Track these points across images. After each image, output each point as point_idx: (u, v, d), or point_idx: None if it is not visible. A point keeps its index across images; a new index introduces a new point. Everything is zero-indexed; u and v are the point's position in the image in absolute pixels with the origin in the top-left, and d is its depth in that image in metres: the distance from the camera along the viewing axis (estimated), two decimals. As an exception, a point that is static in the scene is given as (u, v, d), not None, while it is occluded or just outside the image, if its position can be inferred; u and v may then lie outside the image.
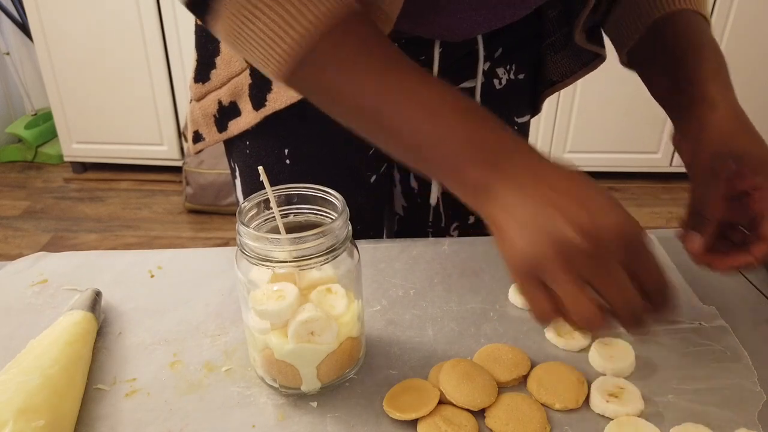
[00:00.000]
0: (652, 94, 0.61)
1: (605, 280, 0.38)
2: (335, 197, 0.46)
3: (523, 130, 0.78)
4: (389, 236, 0.88)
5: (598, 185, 0.40)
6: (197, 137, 0.72)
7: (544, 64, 0.73)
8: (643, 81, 0.62)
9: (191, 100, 0.71)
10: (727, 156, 0.48)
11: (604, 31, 0.66)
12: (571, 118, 2.37)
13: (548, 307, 0.40)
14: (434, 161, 0.43)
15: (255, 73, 0.63)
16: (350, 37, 0.43)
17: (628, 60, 0.64)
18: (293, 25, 0.41)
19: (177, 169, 2.55)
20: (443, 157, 0.42)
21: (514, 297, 0.58)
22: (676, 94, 0.56)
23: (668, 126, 2.39)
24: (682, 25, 0.58)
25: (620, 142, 2.38)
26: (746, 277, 0.62)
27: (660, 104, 0.59)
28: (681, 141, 0.54)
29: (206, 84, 0.68)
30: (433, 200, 0.77)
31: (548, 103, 0.80)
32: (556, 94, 0.75)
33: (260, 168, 0.45)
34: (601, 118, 2.34)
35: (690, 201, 0.50)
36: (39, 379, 0.43)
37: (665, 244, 0.67)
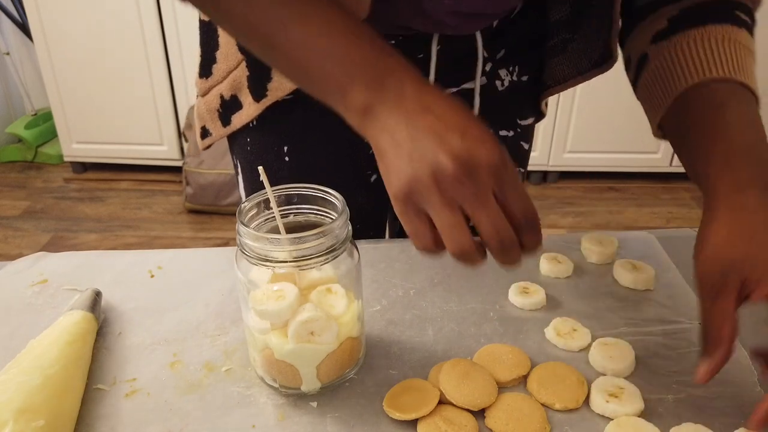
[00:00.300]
0: (686, 168, 0.53)
1: (477, 205, 0.39)
2: (335, 197, 0.46)
3: (527, 133, 0.77)
4: (392, 237, 0.88)
5: (475, 117, 0.41)
6: (204, 132, 0.73)
7: (542, 67, 0.73)
8: (678, 155, 0.55)
9: (197, 95, 0.73)
10: (727, 268, 0.43)
11: (637, 96, 0.61)
12: (571, 118, 2.37)
13: (426, 233, 0.40)
14: (321, 81, 0.43)
15: (252, 65, 0.63)
16: None
17: (662, 133, 0.57)
18: None
19: (177, 169, 2.55)
20: (329, 76, 0.42)
21: (514, 297, 0.58)
22: (713, 178, 0.48)
23: (668, 126, 2.39)
24: (708, 99, 0.51)
25: (620, 142, 2.38)
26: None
27: (695, 181, 0.52)
28: (699, 244, 0.47)
29: (209, 79, 0.69)
30: None
31: (548, 103, 0.80)
32: (557, 94, 0.75)
33: (260, 168, 0.45)
34: (600, 118, 2.34)
35: (701, 327, 0.44)
36: (39, 379, 0.43)
37: (665, 244, 0.67)
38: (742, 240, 0.44)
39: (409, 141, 0.39)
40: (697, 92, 0.52)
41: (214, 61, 0.67)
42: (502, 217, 0.40)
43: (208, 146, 0.73)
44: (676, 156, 2.32)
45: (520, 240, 0.41)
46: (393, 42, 0.63)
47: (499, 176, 0.39)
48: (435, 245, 0.41)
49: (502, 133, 0.74)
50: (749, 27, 0.54)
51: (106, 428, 0.45)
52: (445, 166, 0.38)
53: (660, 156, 2.45)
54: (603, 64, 0.67)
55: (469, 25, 0.62)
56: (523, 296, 0.57)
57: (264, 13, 0.43)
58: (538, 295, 0.58)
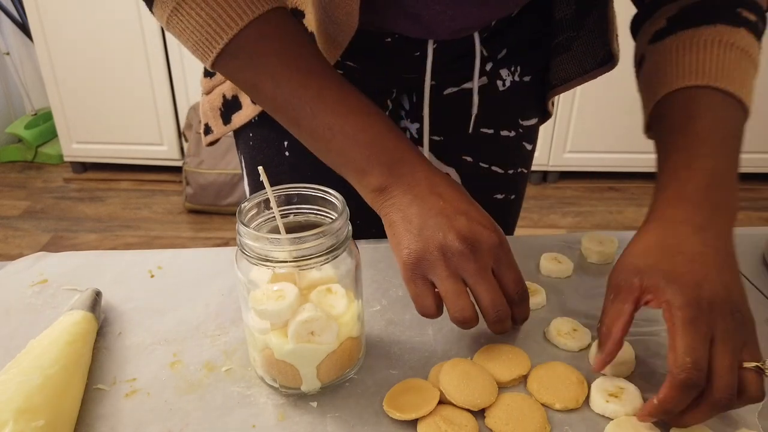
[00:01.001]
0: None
1: (479, 279, 0.45)
2: (335, 197, 0.46)
3: (530, 134, 0.77)
4: None
5: (476, 203, 0.48)
6: (207, 129, 0.74)
7: (547, 66, 0.73)
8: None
9: (202, 93, 0.74)
10: (629, 271, 0.45)
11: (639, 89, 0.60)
12: (571, 118, 2.37)
13: (429, 298, 0.46)
14: (342, 162, 0.50)
15: None
16: (269, 32, 0.48)
17: (652, 134, 0.56)
18: (217, 20, 0.47)
19: (177, 169, 2.55)
20: (350, 159, 0.49)
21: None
22: (655, 193, 0.50)
23: (668, 126, 2.39)
24: (683, 108, 0.50)
25: (620, 142, 2.38)
26: (746, 277, 0.62)
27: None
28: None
29: (213, 78, 0.70)
30: None
31: (554, 103, 0.79)
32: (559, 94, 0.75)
33: (260, 168, 0.45)
34: (601, 118, 2.35)
35: (600, 318, 0.46)
36: (39, 379, 0.43)
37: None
38: (656, 250, 0.45)
39: (419, 218, 0.45)
40: (674, 99, 0.51)
41: None
42: (500, 291, 0.46)
43: (211, 143, 0.75)
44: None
45: (511, 312, 0.47)
46: (389, 40, 0.63)
47: (497, 255, 0.46)
48: (436, 310, 0.46)
49: (504, 133, 0.74)
50: (753, 25, 0.51)
51: (106, 428, 0.45)
52: (453, 242, 0.44)
53: (660, 156, 2.45)
54: (607, 62, 0.67)
55: (463, 32, 0.63)
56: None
57: (291, 94, 0.48)
58: (538, 295, 0.58)
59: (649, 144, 0.55)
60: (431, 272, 0.45)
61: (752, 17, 0.52)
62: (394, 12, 0.58)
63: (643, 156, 2.43)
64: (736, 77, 0.49)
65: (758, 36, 0.52)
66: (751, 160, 2.48)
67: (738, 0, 0.52)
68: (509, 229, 0.83)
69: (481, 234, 0.45)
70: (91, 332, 0.51)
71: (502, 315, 0.46)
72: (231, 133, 0.74)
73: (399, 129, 0.50)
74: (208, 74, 0.71)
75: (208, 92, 0.72)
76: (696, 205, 0.45)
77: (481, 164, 0.75)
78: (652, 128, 0.55)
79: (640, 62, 0.60)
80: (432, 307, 0.46)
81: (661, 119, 0.52)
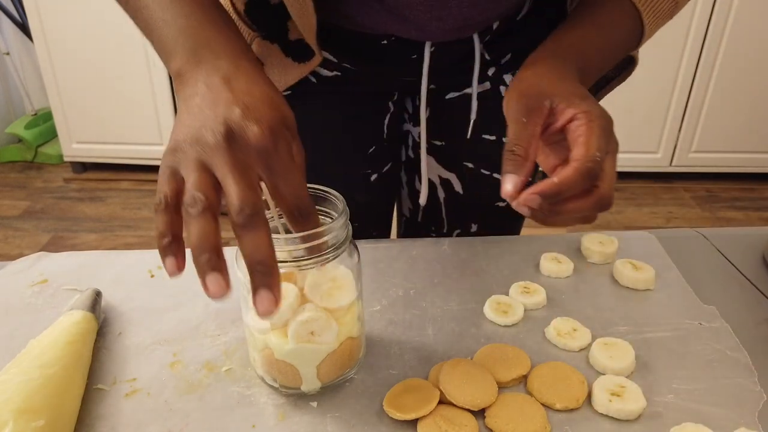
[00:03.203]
0: None
1: (227, 172, 0.37)
2: (335, 197, 0.46)
3: None
4: (399, 236, 0.87)
5: (275, 95, 0.42)
6: None
7: None
8: None
9: None
10: (538, 95, 0.47)
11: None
12: (571, 118, 2.37)
13: (164, 187, 0.38)
14: (157, 44, 0.47)
15: None
16: None
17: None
18: None
19: (177, 169, 2.54)
20: (162, 41, 0.46)
21: (515, 297, 0.58)
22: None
23: (668, 126, 2.39)
24: (602, 6, 0.56)
25: (620, 142, 2.37)
26: (746, 277, 0.62)
27: None
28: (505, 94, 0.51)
29: None
30: (422, 200, 0.76)
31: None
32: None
33: None
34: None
35: (506, 145, 0.47)
36: (39, 379, 0.43)
37: (665, 243, 0.67)
38: (554, 78, 0.49)
39: (198, 109, 0.40)
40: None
41: None
42: (255, 189, 0.37)
43: None
44: (676, 156, 2.32)
45: (291, 224, 0.41)
46: (385, 42, 0.62)
47: (266, 159, 0.38)
48: (166, 198, 0.38)
49: (506, 140, 0.73)
50: None
51: (106, 428, 0.45)
52: (208, 132, 0.38)
53: (660, 156, 2.45)
54: (627, 66, 0.66)
55: (457, 33, 0.61)
56: (523, 296, 0.57)
57: None
58: (538, 295, 0.58)
59: (649, 144, 0.56)
60: (181, 165, 0.38)
61: None
62: (382, 13, 0.58)
63: (643, 156, 2.43)
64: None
65: None
66: (751, 160, 2.48)
67: None
68: (515, 234, 0.81)
69: (247, 129, 0.38)
70: (91, 332, 0.51)
71: (249, 212, 0.36)
72: None
73: (225, 18, 0.47)
74: None
75: None
76: (570, 60, 0.53)
77: (482, 171, 0.74)
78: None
79: None
80: (164, 195, 0.37)
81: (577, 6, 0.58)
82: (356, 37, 0.57)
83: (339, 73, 0.67)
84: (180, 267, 0.37)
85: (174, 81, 0.45)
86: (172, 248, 0.37)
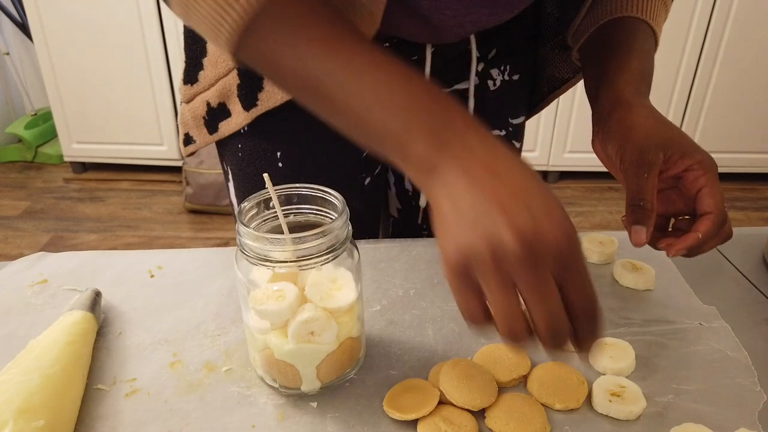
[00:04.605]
0: (586, 93, 0.62)
1: (534, 288, 0.36)
2: (335, 197, 0.46)
3: (518, 132, 0.78)
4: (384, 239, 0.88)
5: (545, 184, 0.38)
6: (188, 140, 0.71)
7: (541, 70, 0.73)
8: (583, 75, 0.65)
9: (181, 102, 0.70)
10: (654, 148, 0.51)
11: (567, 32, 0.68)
12: (571, 118, 2.37)
13: (477, 307, 0.38)
14: (379, 135, 0.41)
15: (243, 73, 0.62)
16: (291, 8, 0.42)
17: (580, 57, 0.66)
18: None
19: (177, 169, 2.55)
20: (388, 131, 0.40)
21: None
22: (598, 98, 0.58)
23: (668, 126, 2.39)
24: (625, 30, 0.61)
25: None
26: (746, 277, 0.62)
27: (590, 105, 0.61)
28: (604, 144, 0.56)
29: (194, 86, 0.67)
30: (422, 202, 0.77)
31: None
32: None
33: (265, 175, 0.45)
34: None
35: (627, 197, 0.51)
36: (39, 379, 0.43)
37: (665, 244, 0.67)
38: (664, 126, 0.53)
39: (472, 209, 0.36)
40: (616, 24, 0.61)
41: (200, 67, 0.65)
42: (560, 306, 0.37)
43: (192, 153, 0.72)
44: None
45: (574, 330, 0.38)
46: (387, 45, 0.62)
47: (564, 261, 0.36)
48: (484, 318, 0.38)
49: (495, 133, 0.74)
50: None
51: (106, 428, 0.45)
52: (508, 244, 0.35)
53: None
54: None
55: (466, 35, 0.63)
56: (523, 296, 0.57)
57: (314, 65, 0.41)
58: (538, 295, 0.57)
59: None
60: (480, 275, 0.37)
61: None
62: (405, 15, 0.57)
63: (643, 156, 2.43)
64: (659, 20, 0.62)
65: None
66: (751, 160, 2.48)
67: None
68: None
69: (545, 234, 0.35)
70: (91, 332, 0.51)
71: (560, 335, 0.37)
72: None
73: (443, 90, 0.42)
74: (188, 81, 0.67)
75: (188, 101, 0.69)
76: (644, 93, 0.57)
77: None
78: (588, 47, 0.64)
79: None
80: (479, 315, 0.38)
81: (601, 39, 0.62)
82: None
83: None
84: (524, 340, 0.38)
85: (419, 173, 0.39)
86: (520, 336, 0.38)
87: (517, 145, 0.78)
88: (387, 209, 0.84)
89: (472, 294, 0.38)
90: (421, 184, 0.40)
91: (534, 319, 0.37)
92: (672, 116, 2.37)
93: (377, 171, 0.76)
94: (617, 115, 0.55)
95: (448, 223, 0.38)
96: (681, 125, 2.40)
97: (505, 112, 0.75)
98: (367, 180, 0.74)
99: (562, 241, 0.36)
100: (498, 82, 0.71)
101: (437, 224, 0.39)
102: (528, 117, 0.79)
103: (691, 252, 0.51)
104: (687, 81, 2.31)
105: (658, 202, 0.52)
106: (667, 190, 0.54)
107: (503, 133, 0.75)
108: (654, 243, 0.53)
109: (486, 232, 0.36)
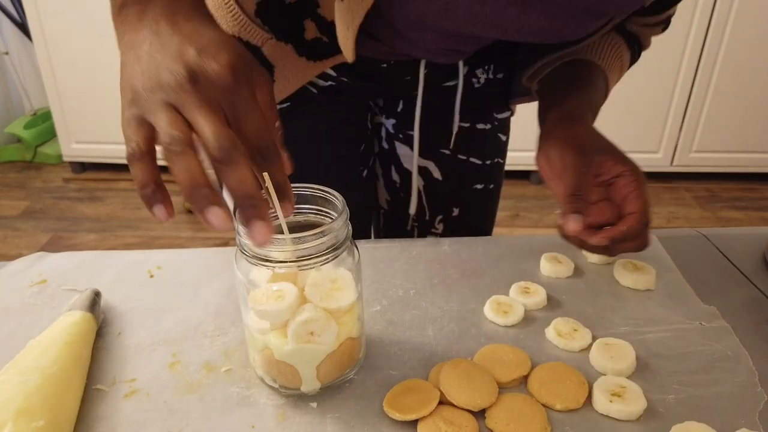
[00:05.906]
0: (538, 115, 0.68)
1: (196, 110, 0.36)
2: (335, 197, 0.46)
3: (504, 126, 0.81)
4: (376, 231, 0.89)
5: (223, 33, 0.41)
6: None
7: (515, 76, 0.76)
8: (538, 101, 0.71)
9: None
10: (593, 152, 0.57)
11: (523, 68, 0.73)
12: (571, 118, 2.37)
13: (133, 139, 0.38)
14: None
15: None
16: None
17: (539, 87, 0.71)
18: None
19: (177, 169, 2.54)
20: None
21: (515, 297, 0.58)
22: (546, 119, 0.64)
23: (669, 126, 2.39)
24: (583, 69, 0.67)
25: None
26: (747, 277, 0.62)
27: (539, 125, 0.66)
28: (547, 151, 0.59)
29: None
30: (413, 204, 0.79)
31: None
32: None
33: (265, 175, 0.45)
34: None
35: (567, 191, 0.55)
36: (38, 380, 0.43)
37: (665, 243, 0.67)
38: (604, 140, 0.60)
39: (149, 55, 0.39)
40: (578, 63, 0.68)
41: None
42: (226, 126, 0.37)
43: None
44: (676, 156, 2.32)
45: (259, 168, 0.40)
46: (384, 65, 0.67)
47: (229, 96, 0.38)
48: (139, 149, 0.38)
49: (480, 126, 0.78)
50: (634, 52, 0.71)
51: (105, 428, 0.45)
52: (172, 72, 0.37)
53: (660, 156, 2.45)
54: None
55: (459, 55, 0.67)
56: (523, 296, 0.57)
57: None
58: (538, 295, 0.57)
59: (649, 144, 0.60)
60: (147, 111, 0.37)
61: (636, 48, 0.71)
62: (401, 40, 0.61)
63: (643, 156, 2.43)
64: (614, 72, 0.70)
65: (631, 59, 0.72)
66: (751, 160, 2.48)
67: (634, 35, 0.69)
68: (491, 217, 0.86)
69: (208, 68, 0.37)
70: (90, 332, 0.51)
71: (228, 148, 0.36)
72: None
73: None
74: None
75: None
76: (589, 117, 0.65)
77: (459, 156, 0.78)
78: (549, 78, 0.69)
79: None
80: (136, 144, 0.38)
81: (563, 73, 0.68)
82: (358, 60, 0.57)
83: (333, 84, 0.69)
84: (170, 213, 0.38)
85: (114, 21, 0.43)
86: (158, 196, 0.38)
87: (503, 138, 0.81)
88: (377, 201, 0.85)
89: (135, 129, 0.38)
90: (117, 33, 0.43)
91: (200, 136, 0.37)
92: (672, 116, 2.37)
93: (371, 163, 0.77)
94: (562, 126, 0.60)
95: (128, 69, 0.40)
96: (681, 125, 2.40)
97: (490, 107, 0.78)
98: (365, 172, 0.75)
99: (226, 75, 0.37)
100: (482, 80, 0.74)
101: (120, 79, 0.41)
102: (512, 108, 0.82)
103: (612, 244, 0.55)
104: (687, 81, 2.31)
105: (591, 214, 0.57)
106: (600, 201, 0.58)
107: (488, 126, 0.78)
108: (583, 240, 0.56)
109: (155, 71, 0.38)
